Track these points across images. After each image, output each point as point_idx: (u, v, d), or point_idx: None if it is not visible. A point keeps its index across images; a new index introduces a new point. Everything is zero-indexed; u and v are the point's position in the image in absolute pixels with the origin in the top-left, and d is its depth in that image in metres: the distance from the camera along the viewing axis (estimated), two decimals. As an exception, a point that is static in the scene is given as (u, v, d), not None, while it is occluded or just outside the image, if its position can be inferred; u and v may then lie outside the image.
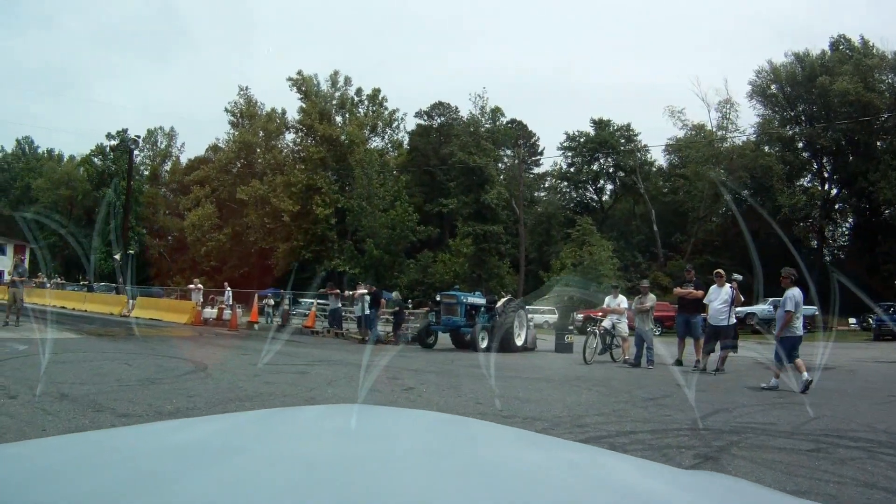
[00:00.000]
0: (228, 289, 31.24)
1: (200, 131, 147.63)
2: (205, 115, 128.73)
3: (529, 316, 22.17)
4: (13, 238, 67.58)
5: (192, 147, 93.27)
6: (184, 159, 70.81)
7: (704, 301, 13.81)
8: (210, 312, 28.14)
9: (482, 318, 19.82)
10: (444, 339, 20.54)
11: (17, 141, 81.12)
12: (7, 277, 19.56)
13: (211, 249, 54.86)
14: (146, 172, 68.12)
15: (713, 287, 13.49)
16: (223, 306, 28.75)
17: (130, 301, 30.82)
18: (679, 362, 14.49)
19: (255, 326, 26.34)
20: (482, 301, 20.59)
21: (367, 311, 21.81)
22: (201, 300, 28.75)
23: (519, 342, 19.53)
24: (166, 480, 1.17)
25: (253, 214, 54.08)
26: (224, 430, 1.86)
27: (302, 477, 1.24)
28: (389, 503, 1.12)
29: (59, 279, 46.98)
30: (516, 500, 1.18)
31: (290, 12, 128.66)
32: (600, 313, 18.60)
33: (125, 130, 62.79)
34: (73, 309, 33.20)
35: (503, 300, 20.45)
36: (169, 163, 70.21)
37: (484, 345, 18.47)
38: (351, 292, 24.53)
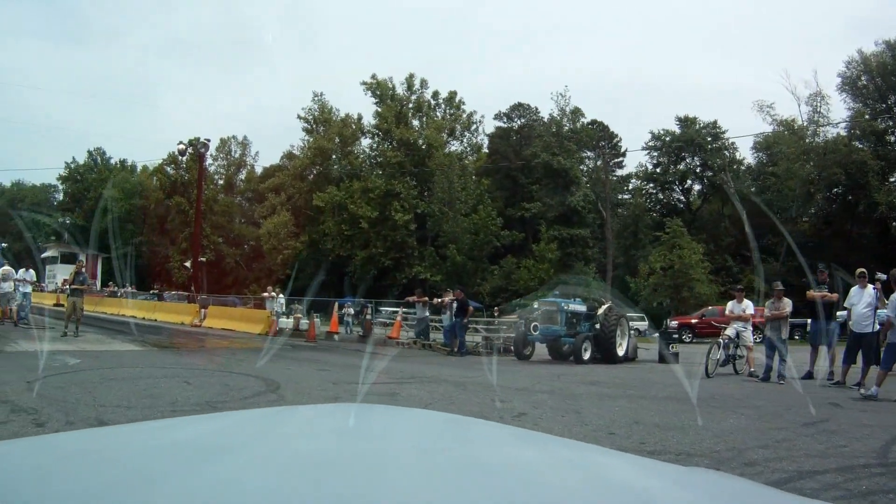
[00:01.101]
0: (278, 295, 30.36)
1: (273, 140, 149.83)
2: (277, 125, 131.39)
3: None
4: (87, 247, 68.54)
5: (265, 156, 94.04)
6: (258, 168, 70.99)
7: (846, 305, 12.74)
8: (286, 322, 27.62)
9: (583, 326, 19.05)
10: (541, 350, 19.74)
11: (89, 152, 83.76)
12: (65, 286, 18.93)
13: (287, 257, 54.30)
14: (220, 182, 68.42)
15: (854, 289, 12.41)
16: (299, 316, 28.30)
17: (202, 310, 30.68)
18: (810, 375, 13.53)
19: (335, 337, 25.48)
20: (583, 308, 19.73)
21: (455, 320, 20.86)
22: (278, 309, 27.97)
23: (620, 352, 18.72)
24: (162, 479, 1.19)
25: (330, 221, 54.49)
26: (220, 429, 1.87)
27: (299, 476, 1.25)
28: (387, 502, 1.13)
29: (131, 288, 46.17)
30: (514, 499, 1.20)
31: (359, 19, 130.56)
32: (722, 321, 17.03)
33: (197, 139, 63.21)
34: (144, 318, 33.41)
35: (604, 307, 19.61)
36: (243, 172, 70.41)
37: (587, 356, 17.84)
38: (438, 300, 23.27)
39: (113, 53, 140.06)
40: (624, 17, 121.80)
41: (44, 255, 69.14)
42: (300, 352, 18.41)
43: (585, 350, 17.80)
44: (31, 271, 23.98)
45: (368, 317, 28.12)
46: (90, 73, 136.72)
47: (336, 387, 10.23)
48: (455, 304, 20.82)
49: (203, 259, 50.20)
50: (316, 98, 61.01)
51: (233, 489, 1.15)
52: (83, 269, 20.35)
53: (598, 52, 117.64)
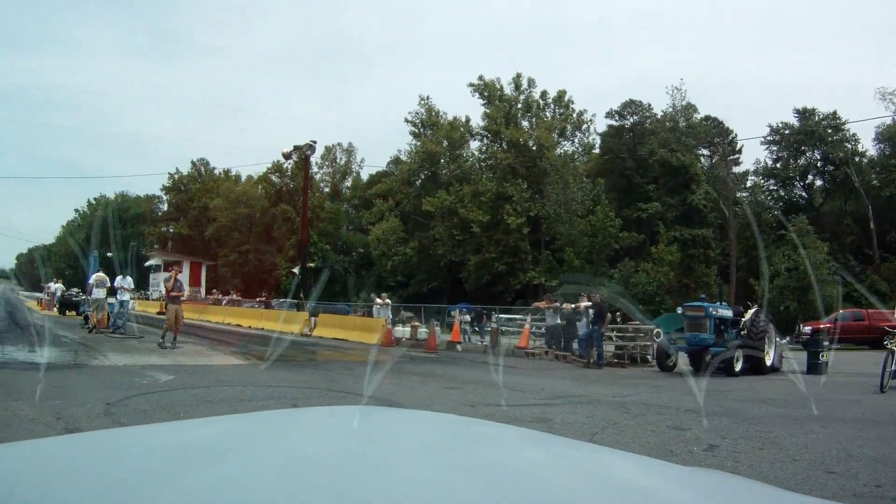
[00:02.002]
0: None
1: (377, 147, 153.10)
2: (381, 131, 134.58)
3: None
4: (190, 255, 69.97)
5: (370, 162, 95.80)
6: (364, 175, 71.42)
7: None
8: (402, 331, 26.59)
9: (730, 333, 17.84)
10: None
11: (193, 163, 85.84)
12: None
13: (398, 264, 54.18)
14: (326, 189, 69.04)
15: None
16: (417, 324, 27.11)
17: (312, 318, 29.96)
18: None
19: (458, 347, 24.29)
20: (730, 314, 18.36)
21: (592, 328, 19.46)
22: (391, 317, 27.49)
23: (767, 361, 17.39)
24: (166, 480, 1.22)
25: (440, 226, 54.60)
26: (225, 431, 1.91)
27: (304, 477, 1.28)
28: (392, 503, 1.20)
29: (235, 295, 46.59)
30: (520, 500, 1.22)
31: (462, 21, 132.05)
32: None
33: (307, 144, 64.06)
34: (249, 327, 33.13)
35: (751, 311, 18.41)
36: (349, 179, 71.00)
37: (739, 367, 16.47)
38: (573, 305, 21.49)
39: (216, 68, 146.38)
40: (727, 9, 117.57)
41: (147, 264, 70.95)
42: (422, 365, 17.48)
43: (738, 360, 16.46)
44: (129, 278, 23.36)
45: (494, 324, 26.33)
46: (193, 87, 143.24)
47: (474, 410, 9.19)
48: (592, 310, 19.67)
49: (312, 265, 50.53)
50: (422, 101, 61.48)
51: (237, 491, 1.17)
52: (179, 277, 19.77)
53: (704, 46, 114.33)
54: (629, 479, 1.57)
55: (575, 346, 20.64)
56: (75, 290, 40.79)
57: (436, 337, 23.60)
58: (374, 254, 58.84)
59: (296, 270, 42.96)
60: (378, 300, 28.67)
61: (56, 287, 40.16)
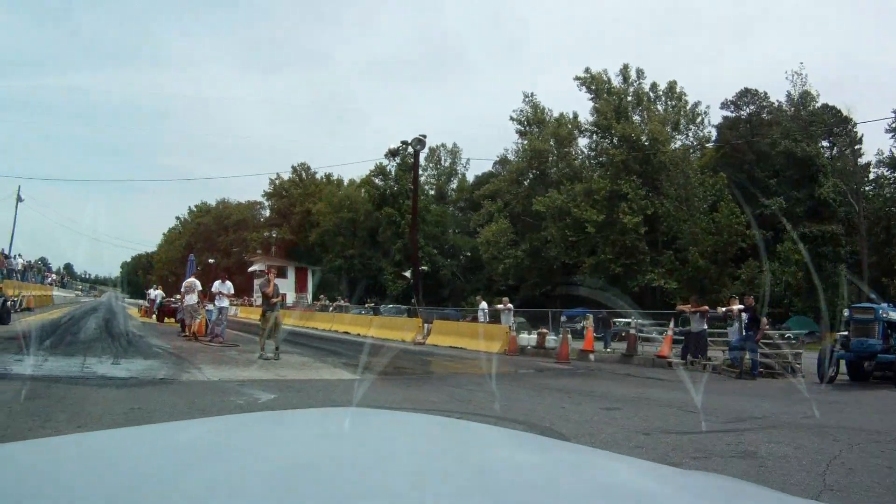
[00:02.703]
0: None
1: (481, 148, 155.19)
2: (485, 132, 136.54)
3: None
4: (294, 261, 70.76)
5: (475, 164, 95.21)
6: (469, 176, 71.23)
7: None
8: (527, 339, 24.97)
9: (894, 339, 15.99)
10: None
11: (294, 167, 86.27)
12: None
13: (509, 267, 53.67)
14: (432, 192, 68.90)
15: None
16: (545, 331, 24.98)
17: (425, 325, 29.03)
18: None
19: (591, 357, 21.92)
20: None
21: (746, 334, 17.79)
22: (513, 323, 25.99)
23: None
24: (156, 483, 1.23)
25: (552, 227, 53.70)
26: (215, 433, 1.92)
27: (294, 480, 1.28)
28: None
29: (343, 301, 46.48)
30: (515, 501, 1.24)
31: (563, 17, 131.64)
32: None
33: (405, 148, 63.95)
34: (358, 334, 32.49)
35: None
36: (454, 180, 70.74)
37: None
38: (725, 309, 19.65)
39: (317, 76, 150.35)
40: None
41: (251, 269, 71.97)
42: (559, 378, 15.83)
43: None
44: (228, 283, 22.23)
45: (632, 330, 23.84)
46: (293, 94, 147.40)
47: (649, 439, 7.91)
48: (746, 315, 18.02)
49: (425, 268, 50.27)
50: (527, 99, 61.27)
51: (225, 494, 1.18)
52: (275, 279, 18.26)
53: (817, 33, 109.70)
54: (625, 483, 1.58)
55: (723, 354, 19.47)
56: (176, 296, 41.71)
57: (568, 345, 21.65)
58: (484, 257, 58.57)
59: (407, 274, 42.02)
60: (501, 305, 27.25)
61: (156, 293, 40.93)
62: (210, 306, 22.46)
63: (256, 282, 68.89)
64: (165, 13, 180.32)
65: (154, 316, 37.86)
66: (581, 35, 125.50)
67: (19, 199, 60.98)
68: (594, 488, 1.44)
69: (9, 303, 30.73)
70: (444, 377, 15.27)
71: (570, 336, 22.70)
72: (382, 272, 64.52)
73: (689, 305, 20.70)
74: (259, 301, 59.84)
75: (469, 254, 64.05)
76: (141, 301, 57.68)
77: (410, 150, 40.79)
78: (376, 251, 67.59)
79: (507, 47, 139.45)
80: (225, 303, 21.80)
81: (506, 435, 2.21)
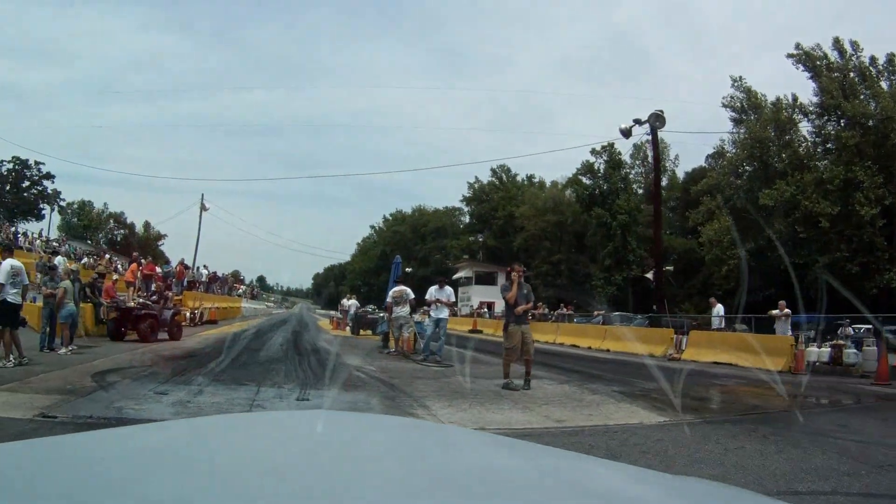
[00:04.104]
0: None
1: (685, 144, 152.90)
2: (687, 125, 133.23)
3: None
4: (502, 266, 71.10)
5: (685, 160, 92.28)
6: (679, 173, 69.27)
7: None
8: (817, 353, 21.15)
9: None
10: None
11: (493, 170, 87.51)
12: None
13: (732, 268, 51.68)
14: (640, 191, 67.39)
15: None
16: (842, 342, 21.63)
17: (678, 337, 26.42)
18: None
19: None
20: None
21: None
22: (790, 332, 23.21)
23: None
24: (126, 486, 1.24)
25: (780, 223, 51.10)
26: (185, 436, 1.93)
27: (266, 484, 1.28)
28: None
29: (565, 309, 45.65)
30: None
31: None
32: None
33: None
34: (589, 347, 30.71)
35: None
36: (665, 178, 68.93)
37: None
38: None
39: (501, 80, 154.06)
40: None
41: (456, 276, 72.61)
42: None
43: None
44: (448, 289, 19.84)
45: None
46: (480, 100, 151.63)
47: None
48: None
49: (670, 268, 48.20)
50: (736, 83, 58.44)
51: (200, 495, 1.19)
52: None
53: None
54: (608, 486, 1.57)
55: None
56: (371, 306, 41.69)
57: (888, 361, 18.16)
58: (707, 258, 56.31)
59: (649, 275, 39.69)
60: (777, 311, 24.03)
61: (350, 303, 40.07)
62: (418, 317, 20.92)
63: (462, 290, 69.94)
64: (342, 28, 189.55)
65: (348, 328, 37.25)
66: (767, 14, 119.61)
67: (203, 209, 64.52)
68: (576, 491, 1.47)
69: (186, 314, 31.98)
70: (805, 416, 11.13)
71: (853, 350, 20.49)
72: (591, 278, 63.76)
73: None
74: (464, 311, 60.56)
75: (675, 256, 61.90)
76: (333, 312, 59.20)
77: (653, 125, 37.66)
78: (583, 256, 66.89)
79: (690, 36, 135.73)
80: (444, 313, 19.16)
81: (489, 440, 2.30)
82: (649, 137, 42.85)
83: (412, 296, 20.43)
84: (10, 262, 14.14)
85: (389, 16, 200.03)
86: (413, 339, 20.81)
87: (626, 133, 38.38)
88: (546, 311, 48.92)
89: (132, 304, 23.79)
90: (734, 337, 24.62)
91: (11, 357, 13.86)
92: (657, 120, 35.69)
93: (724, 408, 12.66)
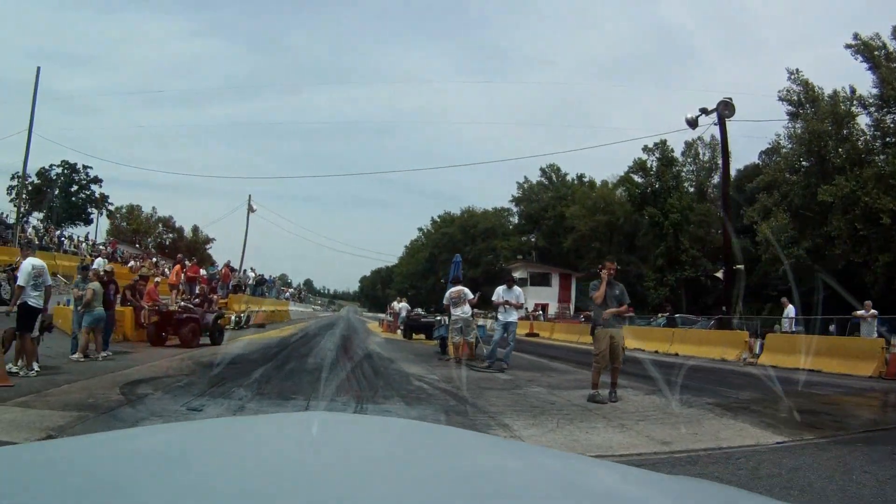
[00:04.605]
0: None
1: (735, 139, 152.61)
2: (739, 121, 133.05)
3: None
4: (556, 267, 70.68)
5: (737, 156, 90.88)
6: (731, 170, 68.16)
7: None
8: None
9: None
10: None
11: (542, 170, 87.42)
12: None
13: (790, 267, 49.64)
14: (691, 189, 66.37)
15: None
16: None
17: (753, 340, 24.65)
18: None
19: None
20: None
21: None
22: (875, 333, 22.17)
23: None
24: (122, 490, 1.24)
25: (839, 220, 49.47)
26: (180, 439, 1.91)
27: (261, 486, 1.29)
28: None
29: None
30: None
31: None
32: None
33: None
34: (655, 352, 28.68)
35: None
36: (715, 175, 68.03)
37: None
38: None
39: (547, 79, 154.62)
40: None
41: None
42: None
43: None
44: (517, 289, 18.23)
45: None
46: (524, 100, 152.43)
47: None
48: None
49: (740, 266, 46.88)
50: (792, 76, 56.55)
51: (197, 498, 1.20)
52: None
53: None
54: (605, 487, 1.58)
55: None
56: (419, 309, 41.14)
57: None
58: (764, 257, 55.07)
59: (719, 275, 37.84)
60: (863, 311, 22.99)
61: (400, 306, 38.99)
62: (482, 321, 20.01)
63: (516, 290, 69.51)
64: (381, 30, 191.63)
65: (399, 331, 36.34)
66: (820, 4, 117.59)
67: (251, 210, 64.85)
68: (573, 493, 1.47)
69: (232, 318, 31.81)
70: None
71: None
72: (642, 279, 62.95)
73: None
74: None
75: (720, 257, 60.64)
76: (381, 315, 58.84)
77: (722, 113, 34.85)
78: (634, 256, 66.13)
79: (735, 31, 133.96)
80: (513, 316, 17.72)
81: (486, 441, 2.25)
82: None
83: (471, 296, 19.20)
84: (30, 262, 13.14)
85: (430, 17, 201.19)
86: (474, 342, 19.58)
87: (693, 123, 35.83)
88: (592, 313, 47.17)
89: (174, 307, 23.42)
90: (815, 340, 22.95)
91: (35, 365, 12.92)
92: (726, 108, 33.15)
93: (840, 423, 10.95)
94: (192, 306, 23.71)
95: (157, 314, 21.90)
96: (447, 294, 19.76)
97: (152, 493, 1.21)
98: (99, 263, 24.25)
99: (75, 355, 15.85)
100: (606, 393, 11.95)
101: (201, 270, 37.90)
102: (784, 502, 1.61)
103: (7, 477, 1.35)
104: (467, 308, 18.91)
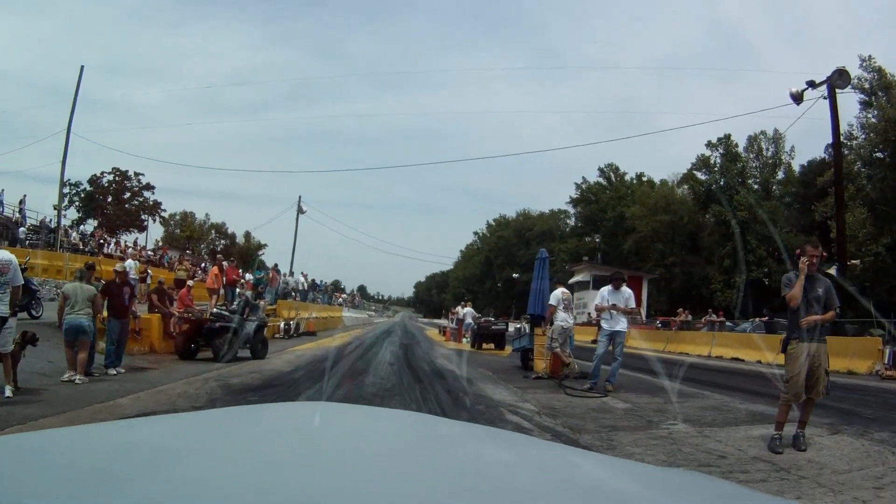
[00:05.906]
0: None
1: (797, 134, 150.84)
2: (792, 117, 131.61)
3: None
4: (618, 267, 69.43)
5: (801, 152, 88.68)
6: (795, 165, 66.31)
7: None
8: None
9: None
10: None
11: (601, 169, 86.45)
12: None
13: (868, 267, 47.48)
14: (755, 186, 64.53)
15: None
16: None
17: (888, 348, 21.27)
18: None
19: None
20: None
21: None
22: None
23: None
24: (124, 479, 1.25)
25: (918, 213, 45.76)
26: (183, 428, 1.93)
27: (263, 476, 1.30)
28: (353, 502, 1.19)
29: (685, 315, 42.90)
30: (487, 500, 1.28)
31: None
32: None
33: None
34: (759, 362, 24.94)
35: None
36: (780, 171, 65.80)
37: None
38: None
39: (604, 80, 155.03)
40: None
41: (572, 281, 70.95)
42: None
43: None
44: (626, 290, 14.73)
45: None
46: (583, 102, 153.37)
47: None
48: None
49: (856, 261, 44.96)
50: (864, 63, 53.60)
51: (196, 489, 1.21)
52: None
53: None
54: (597, 479, 1.60)
55: None
56: (490, 317, 39.32)
57: None
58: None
59: (832, 271, 35.39)
60: None
61: (465, 311, 35.74)
62: (564, 322, 15.87)
63: (578, 295, 67.96)
64: (438, 36, 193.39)
65: (465, 340, 33.40)
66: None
67: (300, 211, 64.51)
68: (567, 484, 1.48)
69: (281, 325, 29.93)
70: None
71: None
72: (707, 281, 61.16)
73: None
74: (580, 319, 58.23)
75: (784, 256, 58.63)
76: (437, 321, 57.62)
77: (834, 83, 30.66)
78: (698, 257, 64.49)
79: (793, 25, 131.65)
80: (621, 324, 14.31)
81: (482, 432, 2.25)
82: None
83: (571, 300, 16.78)
84: None
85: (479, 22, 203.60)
86: (562, 357, 16.20)
87: (798, 98, 31.47)
88: (687, 317, 44.40)
89: (208, 315, 20.61)
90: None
91: (8, 389, 10.47)
92: (840, 77, 29.19)
93: None
94: (226, 313, 20.00)
95: (186, 322, 19.65)
96: (557, 295, 16.25)
97: (151, 483, 1.20)
98: (129, 265, 22.70)
99: (66, 375, 12.77)
100: (781, 434, 8.32)
101: (247, 275, 35.56)
102: (781, 499, 1.81)
103: (2, 467, 1.34)
104: (567, 316, 16.19)
